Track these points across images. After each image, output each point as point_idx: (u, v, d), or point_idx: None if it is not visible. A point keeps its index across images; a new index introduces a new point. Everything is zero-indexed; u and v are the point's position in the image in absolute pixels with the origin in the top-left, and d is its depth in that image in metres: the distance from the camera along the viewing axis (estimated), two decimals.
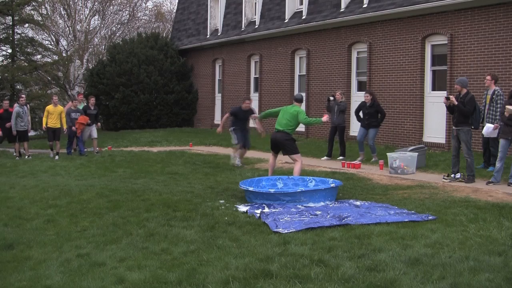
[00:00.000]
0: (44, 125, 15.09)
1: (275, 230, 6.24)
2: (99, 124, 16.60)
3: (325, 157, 13.39)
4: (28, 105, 16.06)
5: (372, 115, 12.61)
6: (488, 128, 10.05)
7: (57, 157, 14.42)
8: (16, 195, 8.57)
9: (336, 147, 13.67)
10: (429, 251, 5.19)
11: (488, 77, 10.79)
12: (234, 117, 12.53)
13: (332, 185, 8.32)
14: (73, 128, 14.95)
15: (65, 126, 15.06)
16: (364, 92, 13.12)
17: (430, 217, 6.69)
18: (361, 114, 12.99)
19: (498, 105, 10.29)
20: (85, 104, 16.12)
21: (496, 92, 10.54)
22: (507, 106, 9.24)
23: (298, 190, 8.12)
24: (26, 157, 14.59)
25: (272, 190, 8.22)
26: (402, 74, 15.10)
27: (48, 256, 5.44)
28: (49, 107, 15.12)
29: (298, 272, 4.66)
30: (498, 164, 9.25)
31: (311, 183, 8.90)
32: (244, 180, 8.95)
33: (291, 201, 7.90)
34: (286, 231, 6.17)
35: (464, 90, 9.70)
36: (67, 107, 15.61)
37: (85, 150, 15.13)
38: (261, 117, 11.08)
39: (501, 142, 9.35)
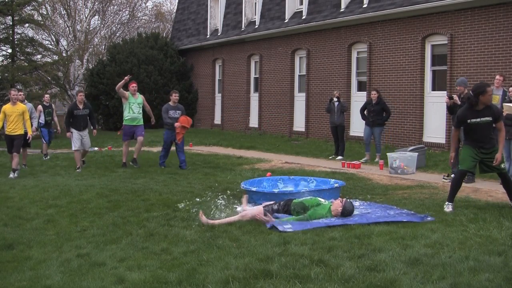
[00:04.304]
0: None
1: (275, 226, 6.26)
2: (95, 131, 12.58)
3: (339, 157, 13.38)
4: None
5: (377, 113, 12.64)
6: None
7: (16, 174, 10.76)
8: (16, 195, 8.56)
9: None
10: (429, 251, 5.18)
11: (501, 78, 10.32)
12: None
13: (335, 185, 8.32)
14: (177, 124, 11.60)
15: (29, 132, 11.20)
16: (371, 91, 13.11)
17: (428, 218, 6.67)
18: (365, 112, 13.03)
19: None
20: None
21: (507, 92, 10.36)
22: (505, 104, 9.21)
23: (302, 191, 8.11)
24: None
25: (275, 191, 8.20)
26: (402, 74, 15.10)
27: (48, 256, 5.43)
28: (6, 107, 11.00)
29: (298, 272, 4.66)
30: (506, 165, 9.20)
31: (312, 184, 8.88)
32: (245, 181, 8.93)
33: None
34: (288, 230, 6.18)
35: (466, 90, 9.69)
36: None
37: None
38: None
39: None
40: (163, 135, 12.01)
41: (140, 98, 12.23)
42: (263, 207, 6.91)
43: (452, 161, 7.85)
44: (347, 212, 6.77)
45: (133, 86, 12.23)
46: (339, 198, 7.05)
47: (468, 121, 7.25)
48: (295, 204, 6.90)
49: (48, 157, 14.31)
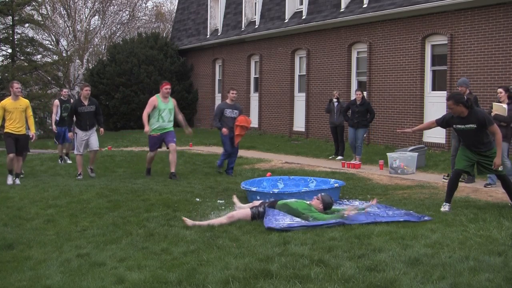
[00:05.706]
0: None
1: (270, 226, 6.25)
2: (102, 130, 10.99)
3: (339, 157, 13.37)
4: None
5: (362, 114, 12.41)
6: None
7: (17, 181, 9.68)
8: (16, 195, 8.55)
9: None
10: (429, 251, 5.18)
11: (501, 90, 9.77)
12: None
13: (335, 185, 8.31)
14: (224, 130, 10.47)
15: (32, 130, 10.12)
16: (356, 91, 12.90)
17: (426, 218, 6.64)
18: (349, 113, 12.92)
19: None
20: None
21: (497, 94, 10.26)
22: (494, 104, 9.14)
23: (302, 191, 8.10)
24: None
25: (276, 190, 8.19)
26: (402, 74, 15.10)
27: (48, 256, 5.43)
28: (6, 102, 9.60)
29: (298, 272, 4.66)
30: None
31: (312, 184, 8.88)
32: (245, 181, 8.94)
33: None
34: (283, 227, 6.18)
35: (467, 91, 9.68)
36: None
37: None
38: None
39: None
40: (221, 138, 10.78)
41: (171, 102, 10.33)
42: (250, 209, 6.88)
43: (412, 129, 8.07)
44: (328, 205, 6.85)
45: (167, 88, 10.24)
46: (315, 197, 7.01)
47: (454, 126, 7.28)
48: (279, 206, 6.81)
49: (66, 161, 13.22)
